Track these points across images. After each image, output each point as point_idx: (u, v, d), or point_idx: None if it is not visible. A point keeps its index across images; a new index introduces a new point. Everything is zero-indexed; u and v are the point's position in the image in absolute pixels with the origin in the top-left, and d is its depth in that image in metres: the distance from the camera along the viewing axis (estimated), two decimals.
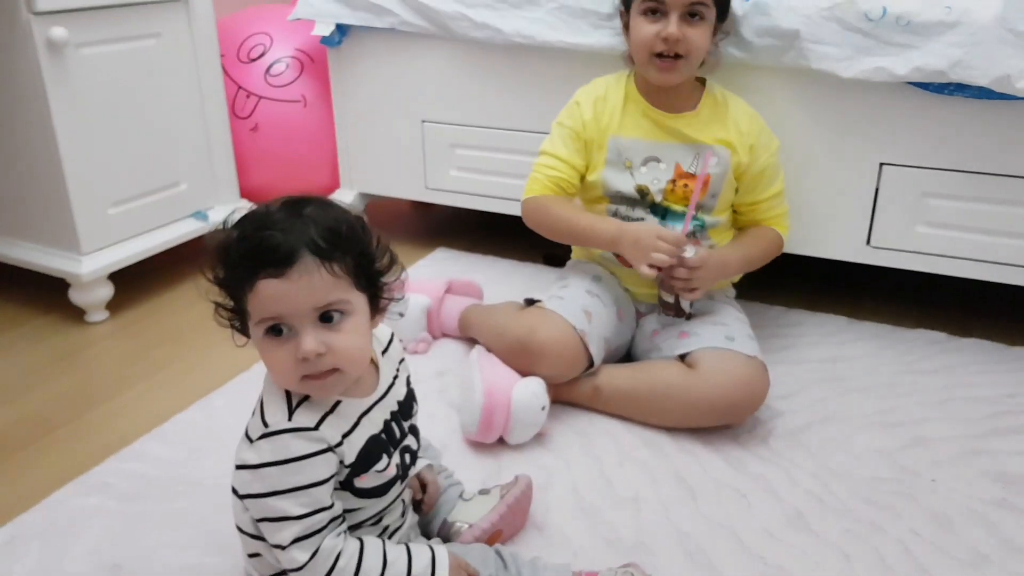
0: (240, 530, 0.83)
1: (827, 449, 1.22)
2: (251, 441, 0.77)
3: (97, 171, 1.59)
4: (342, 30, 1.82)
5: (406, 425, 0.88)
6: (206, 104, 1.80)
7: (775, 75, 1.45)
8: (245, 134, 1.92)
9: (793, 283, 1.78)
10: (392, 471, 0.83)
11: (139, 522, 1.06)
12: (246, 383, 1.39)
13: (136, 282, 1.78)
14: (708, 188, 1.32)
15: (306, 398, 0.78)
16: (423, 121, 1.84)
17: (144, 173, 1.70)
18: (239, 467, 0.77)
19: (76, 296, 1.62)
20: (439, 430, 1.26)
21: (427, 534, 0.99)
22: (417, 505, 0.98)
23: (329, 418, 0.78)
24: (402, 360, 0.91)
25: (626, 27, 1.33)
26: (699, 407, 1.22)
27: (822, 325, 1.60)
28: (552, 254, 1.84)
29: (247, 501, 0.78)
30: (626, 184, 1.35)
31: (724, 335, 1.27)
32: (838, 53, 1.35)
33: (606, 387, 1.29)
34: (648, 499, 1.11)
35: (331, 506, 0.78)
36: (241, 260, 0.72)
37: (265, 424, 0.77)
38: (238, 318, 0.77)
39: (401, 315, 1.49)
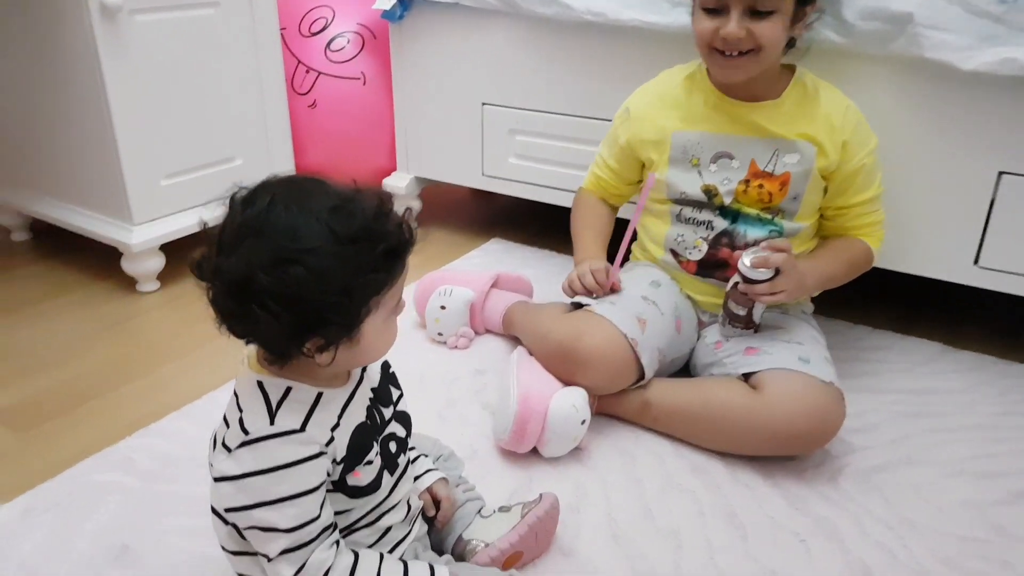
0: (224, 550, 0.77)
1: (906, 496, 1.06)
2: (229, 451, 0.69)
3: (150, 142, 1.56)
4: (404, 4, 1.74)
5: (386, 412, 0.80)
6: (264, 78, 1.75)
7: (880, 65, 1.28)
8: (303, 110, 1.86)
9: (882, 301, 1.60)
10: (378, 461, 0.75)
11: (155, 503, 1.03)
12: None
13: (188, 255, 1.75)
14: (644, 202, 1.21)
15: (284, 397, 0.69)
16: (483, 104, 1.74)
17: (198, 146, 1.66)
18: (218, 479, 0.69)
19: (128, 265, 1.61)
20: (470, 433, 1.16)
21: (440, 551, 0.90)
22: (430, 521, 0.89)
23: (314, 415, 0.70)
24: None
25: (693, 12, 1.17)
26: (761, 434, 1.08)
27: (913, 351, 1.42)
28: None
29: (231, 514, 0.70)
30: (692, 184, 1.21)
31: (798, 355, 1.12)
32: (958, 42, 1.16)
33: (657, 403, 1.16)
34: (691, 534, 0.98)
35: (320, 516, 0.70)
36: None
37: (244, 431, 0.68)
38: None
39: (443, 308, 1.40)
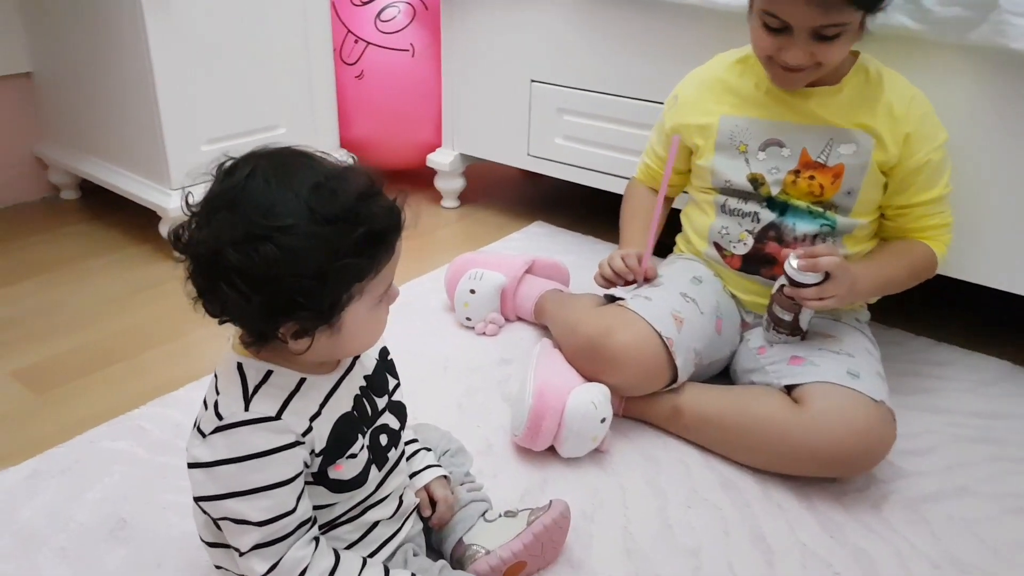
0: (202, 540, 0.73)
1: (956, 530, 0.96)
2: (203, 436, 0.66)
3: (193, 107, 1.54)
4: None
5: (380, 402, 0.74)
6: (311, 47, 1.71)
7: (959, 55, 1.16)
8: (350, 81, 1.82)
9: (950, 311, 1.47)
10: (365, 454, 0.70)
11: (159, 476, 1.01)
12: None
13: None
14: (671, 170, 1.13)
15: (263, 381, 0.65)
16: (532, 81, 1.67)
17: (242, 113, 1.63)
18: (191, 466, 0.66)
19: (165, 229, 1.61)
20: (488, 425, 1.11)
21: (440, 553, 0.84)
22: (427, 521, 0.83)
23: (293, 402, 0.66)
24: None
25: (751, 4, 1.06)
26: (800, 453, 0.99)
27: (979, 369, 1.30)
28: (659, 243, 1.63)
29: (204, 504, 0.67)
30: (738, 172, 1.13)
31: (847, 369, 1.03)
32: None
33: (689, 409, 1.08)
34: (714, 555, 0.91)
35: (295, 510, 0.66)
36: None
37: (219, 416, 0.64)
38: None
39: (473, 292, 1.34)
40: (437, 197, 1.96)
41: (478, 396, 1.18)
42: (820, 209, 1.10)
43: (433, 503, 0.82)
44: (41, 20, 1.69)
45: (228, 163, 0.62)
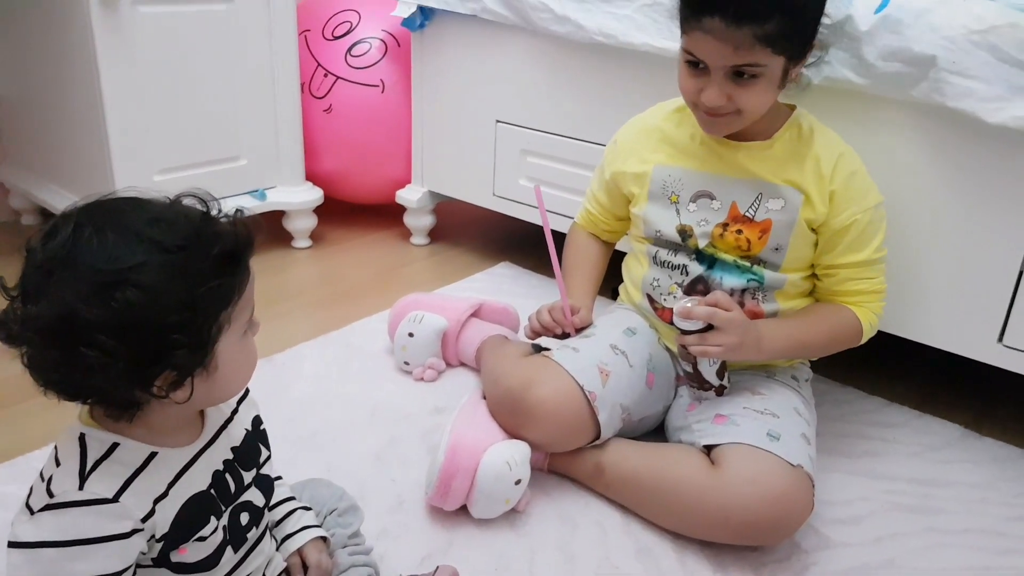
0: None
1: None
2: (31, 512, 0.60)
3: (145, 135, 1.54)
4: (425, 14, 1.67)
5: (246, 476, 0.70)
6: (278, 78, 1.72)
7: (900, 111, 1.14)
8: (318, 115, 1.82)
9: (908, 371, 1.43)
10: (219, 536, 0.66)
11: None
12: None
13: None
14: (544, 211, 1.14)
15: (106, 456, 0.61)
16: (497, 121, 1.66)
17: (199, 143, 1.63)
18: (11, 544, 0.60)
19: None
20: (405, 480, 1.08)
21: None
22: None
23: (136, 481, 0.61)
24: (244, 395, 0.74)
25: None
26: (714, 518, 0.95)
27: (929, 432, 1.26)
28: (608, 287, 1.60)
29: None
30: (668, 223, 1.10)
31: (768, 430, 0.99)
32: (986, 91, 1.01)
33: (611, 468, 1.05)
34: None
35: None
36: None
37: (50, 493, 0.60)
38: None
39: (411, 335, 1.32)
40: (407, 234, 1.95)
41: (400, 447, 1.15)
42: (747, 264, 1.07)
43: (306, 568, 0.78)
44: (5, 45, 1.70)
45: (43, 230, 0.59)
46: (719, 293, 1.01)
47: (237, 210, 0.65)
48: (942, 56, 1.03)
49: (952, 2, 1.05)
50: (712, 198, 1.07)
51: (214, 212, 0.62)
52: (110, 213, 0.59)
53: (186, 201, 0.62)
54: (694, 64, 0.97)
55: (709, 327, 0.99)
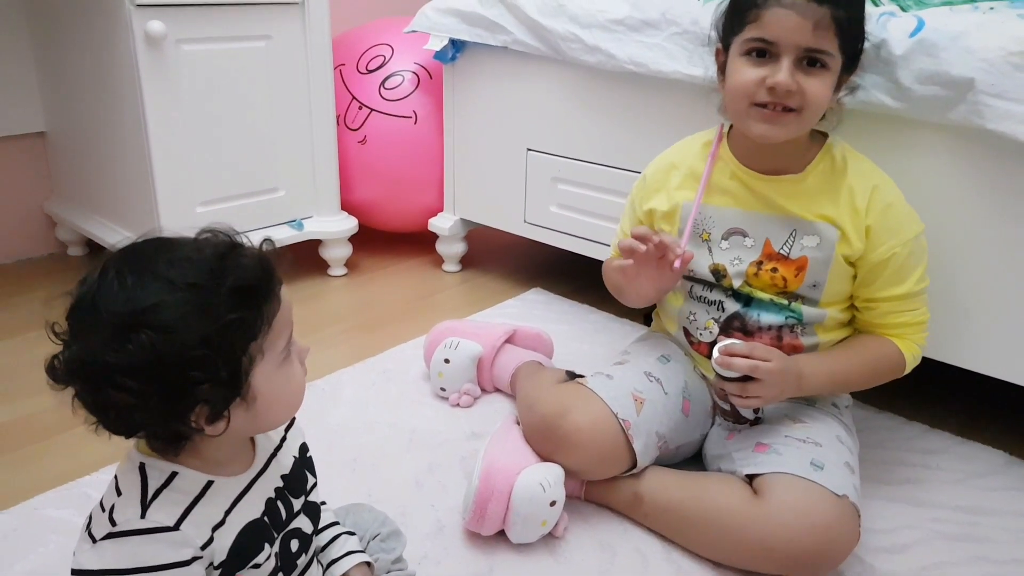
0: None
1: None
2: (93, 541, 0.61)
3: (188, 168, 1.58)
4: (456, 46, 1.71)
5: (296, 504, 0.71)
6: (314, 112, 1.75)
7: (938, 134, 1.13)
8: (353, 146, 1.86)
9: (949, 396, 1.41)
10: (272, 563, 0.67)
11: None
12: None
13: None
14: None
15: (165, 485, 0.62)
16: (528, 149, 1.68)
17: (240, 175, 1.68)
18: (75, 572, 0.62)
19: None
20: (444, 506, 1.08)
21: None
22: None
23: (195, 510, 0.62)
24: (291, 423, 0.75)
25: (722, 69, 1.06)
26: (756, 549, 0.94)
27: (971, 459, 1.23)
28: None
29: None
30: (700, 262, 1.09)
31: (811, 459, 0.98)
32: None
33: (649, 497, 1.04)
34: None
35: None
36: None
37: (112, 522, 0.61)
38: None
39: (447, 361, 1.33)
40: (439, 261, 1.97)
41: (439, 473, 1.15)
42: (785, 301, 1.06)
43: None
44: (55, 81, 1.77)
45: (83, 276, 0.61)
46: (756, 345, 0.99)
47: (264, 240, 0.66)
48: (980, 79, 1.02)
49: (988, 25, 1.05)
50: (745, 235, 1.07)
51: (239, 245, 0.63)
52: (136, 255, 0.61)
53: (210, 237, 0.63)
54: (760, 53, 0.97)
55: (747, 377, 0.98)
